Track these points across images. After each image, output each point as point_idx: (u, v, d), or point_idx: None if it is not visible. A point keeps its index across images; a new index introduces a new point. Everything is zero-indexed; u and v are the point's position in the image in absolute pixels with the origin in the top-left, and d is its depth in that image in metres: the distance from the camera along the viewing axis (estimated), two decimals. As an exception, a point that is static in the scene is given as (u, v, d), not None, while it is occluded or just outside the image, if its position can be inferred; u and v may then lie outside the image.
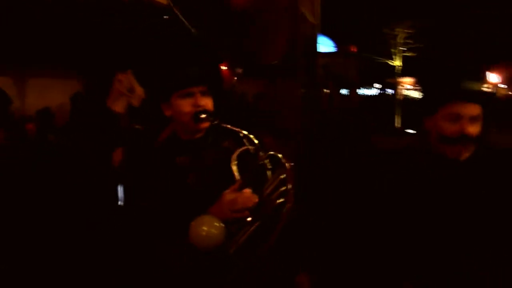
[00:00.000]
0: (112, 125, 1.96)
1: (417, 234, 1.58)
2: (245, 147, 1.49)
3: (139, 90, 2.14)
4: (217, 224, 1.31)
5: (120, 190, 2.41)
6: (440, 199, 1.58)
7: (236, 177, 1.43)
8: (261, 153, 1.46)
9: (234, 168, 1.44)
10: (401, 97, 20.95)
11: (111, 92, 2.02)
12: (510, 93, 29.39)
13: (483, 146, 1.63)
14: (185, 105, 1.57)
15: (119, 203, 2.42)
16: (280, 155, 1.44)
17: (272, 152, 1.46)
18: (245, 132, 1.49)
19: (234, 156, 1.46)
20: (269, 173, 1.46)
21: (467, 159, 1.60)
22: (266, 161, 1.47)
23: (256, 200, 1.40)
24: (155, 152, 1.63)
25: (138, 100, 2.17)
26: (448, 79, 1.66)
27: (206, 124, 1.57)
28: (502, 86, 30.36)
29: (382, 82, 24.70)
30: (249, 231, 1.41)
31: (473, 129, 1.58)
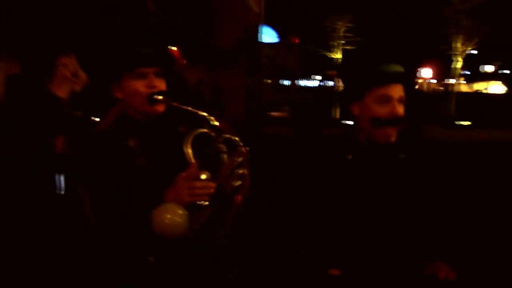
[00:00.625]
0: (54, 110, 1.88)
1: (351, 220, 1.60)
2: (200, 130, 1.46)
3: (82, 75, 2.06)
4: (181, 212, 1.30)
5: (61, 179, 2.32)
6: (374, 182, 1.61)
7: (191, 160, 1.40)
8: (218, 136, 1.43)
9: (189, 151, 1.40)
10: (340, 89, 21.62)
11: (54, 76, 1.93)
12: (440, 88, 31.22)
13: (405, 131, 1.68)
14: (139, 86, 1.50)
15: (61, 192, 2.33)
16: (236, 138, 1.43)
17: (228, 135, 1.44)
18: (204, 114, 1.46)
19: (189, 139, 1.42)
20: (225, 156, 1.45)
21: (395, 142, 1.62)
22: (222, 145, 1.46)
23: (215, 185, 1.40)
24: (102, 135, 1.54)
25: (80, 86, 2.09)
26: (372, 63, 1.67)
27: (161, 107, 1.53)
28: (433, 81, 32.14)
29: (322, 74, 25.28)
30: (207, 215, 1.40)
31: (402, 110, 1.60)
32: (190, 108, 1.47)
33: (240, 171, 1.42)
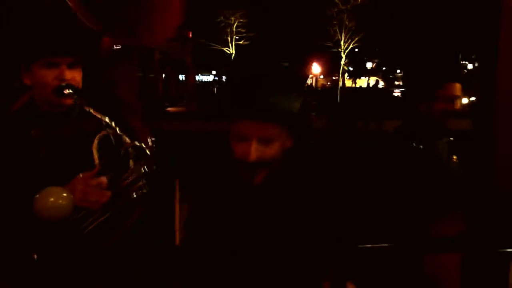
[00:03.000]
0: None
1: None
2: (108, 132, 1.37)
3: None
4: (66, 195, 1.28)
5: None
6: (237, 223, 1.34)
7: (95, 161, 1.34)
8: (124, 141, 1.36)
9: (94, 152, 1.35)
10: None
11: None
12: (328, 83, 33.27)
13: (278, 169, 1.33)
14: (48, 76, 1.39)
15: None
16: (144, 146, 1.36)
17: (136, 143, 1.36)
18: (106, 120, 1.37)
19: (96, 140, 1.36)
20: (131, 162, 1.38)
21: (261, 184, 1.30)
22: (130, 149, 1.37)
23: (109, 195, 1.31)
24: (6, 121, 1.46)
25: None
26: (240, 90, 1.31)
27: (69, 101, 1.40)
28: (321, 77, 34.15)
29: (217, 69, 25.44)
30: (98, 220, 1.31)
31: (264, 152, 1.25)
32: (92, 111, 1.38)
33: (142, 182, 1.35)
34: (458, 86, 2.05)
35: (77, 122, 1.47)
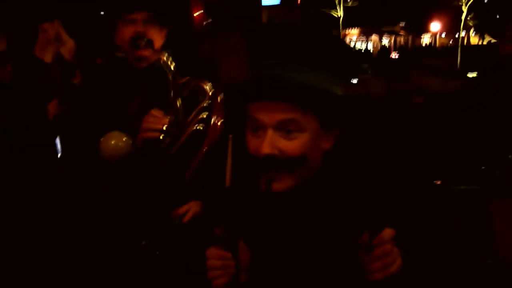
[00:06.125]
0: (42, 75, 1.96)
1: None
2: (182, 80, 1.59)
3: (70, 42, 2.12)
4: (124, 138, 1.51)
5: (58, 143, 2.43)
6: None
7: (173, 104, 1.54)
8: (197, 87, 1.59)
9: (172, 97, 1.54)
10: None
11: (37, 42, 2.00)
12: (451, 41, 30.48)
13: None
14: (126, 32, 1.60)
15: (59, 155, 2.44)
16: (206, 86, 1.56)
17: (198, 82, 1.58)
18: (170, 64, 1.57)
19: (172, 88, 1.56)
20: (201, 103, 1.58)
21: (285, 194, 1.00)
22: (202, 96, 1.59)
23: (166, 121, 1.50)
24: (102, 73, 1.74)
25: (70, 53, 2.15)
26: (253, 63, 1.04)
27: (145, 52, 1.61)
28: (443, 35, 31.36)
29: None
30: (178, 144, 1.54)
31: (285, 145, 0.97)
32: (166, 59, 1.56)
33: (203, 115, 1.54)
34: None
35: (157, 74, 1.65)
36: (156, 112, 1.50)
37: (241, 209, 1.05)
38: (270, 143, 0.95)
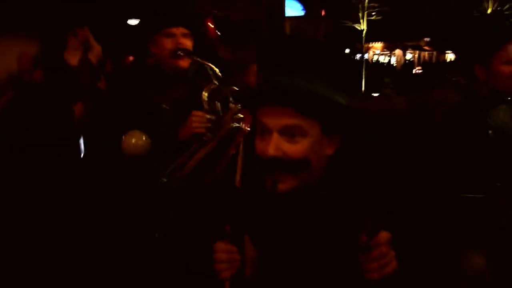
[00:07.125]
0: (69, 78, 2.07)
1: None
2: (214, 83, 1.81)
3: (97, 48, 2.24)
4: (144, 138, 1.66)
5: (81, 142, 2.53)
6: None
7: (205, 106, 1.77)
8: (225, 88, 1.81)
9: (204, 98, 1.77)
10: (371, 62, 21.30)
11: (67, 47, 2.12)
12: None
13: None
14: (167, 43, 1.88)
15: (82, 155, 2.54)
16: (237, 90, 1.75)
17: (234, 88, 1.80)
18: (215, 70, 1.82)
19: (205, 91, 1.79)
20: (232, 105, 1.81)
21: (287, 194, 1.05)
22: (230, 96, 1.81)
23: (208, 117, 1.75)
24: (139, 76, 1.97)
25: (96, 58, 2.27)
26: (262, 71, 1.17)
27: (183, 62, 1.89)
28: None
29: (350, 47, 24.86)
30: (199, 157, 1.69)
31: (288, 148, 1.03)
32: (201, 60, 1.84)
33: (239, 115, 1.78)
34: None
35: (192, 80, 1.92)
36: (198, 113, 1.76)
37: (248, 207, 1.12)
38: (275, 145, 1.03)
